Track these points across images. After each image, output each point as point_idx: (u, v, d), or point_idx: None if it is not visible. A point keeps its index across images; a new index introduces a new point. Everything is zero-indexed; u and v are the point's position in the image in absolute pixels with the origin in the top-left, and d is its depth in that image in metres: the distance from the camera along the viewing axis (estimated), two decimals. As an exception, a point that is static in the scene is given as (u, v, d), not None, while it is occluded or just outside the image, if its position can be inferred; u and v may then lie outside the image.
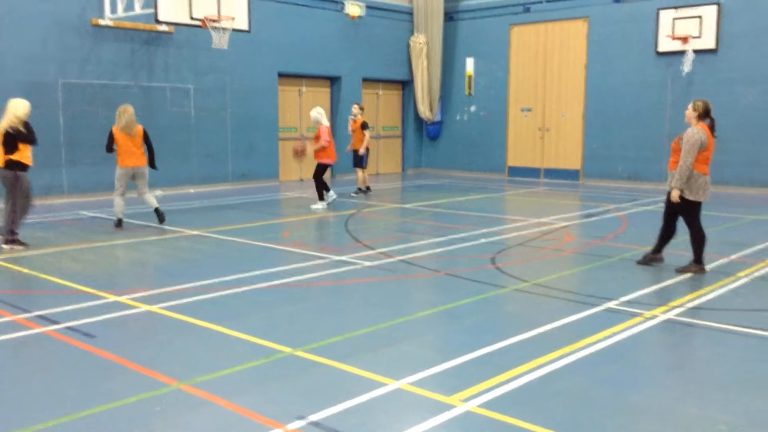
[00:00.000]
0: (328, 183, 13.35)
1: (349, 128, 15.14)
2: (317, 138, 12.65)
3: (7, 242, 8.74)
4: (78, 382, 4.57)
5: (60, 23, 13.24)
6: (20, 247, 8.76)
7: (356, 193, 14.82)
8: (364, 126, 14.57)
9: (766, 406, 4.25)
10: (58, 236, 9.80)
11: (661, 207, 8.12)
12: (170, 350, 5.17)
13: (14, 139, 8.52)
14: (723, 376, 4.76)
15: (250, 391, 4.36)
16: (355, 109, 14.72)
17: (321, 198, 12.71)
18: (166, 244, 9.24)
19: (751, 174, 15.51)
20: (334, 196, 12.87)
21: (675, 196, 7.49)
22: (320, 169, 12.75)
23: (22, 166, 8.65)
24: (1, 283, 7.13)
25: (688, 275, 7.48)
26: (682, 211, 7.63)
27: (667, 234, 7.88)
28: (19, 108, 8.58)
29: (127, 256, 8.51)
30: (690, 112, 7.59)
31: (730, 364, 4.99)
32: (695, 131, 7.40)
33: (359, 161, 14.74)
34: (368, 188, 14.98)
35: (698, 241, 7.57)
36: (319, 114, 12.62)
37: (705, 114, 7.55)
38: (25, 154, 8.66)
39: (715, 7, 15.47)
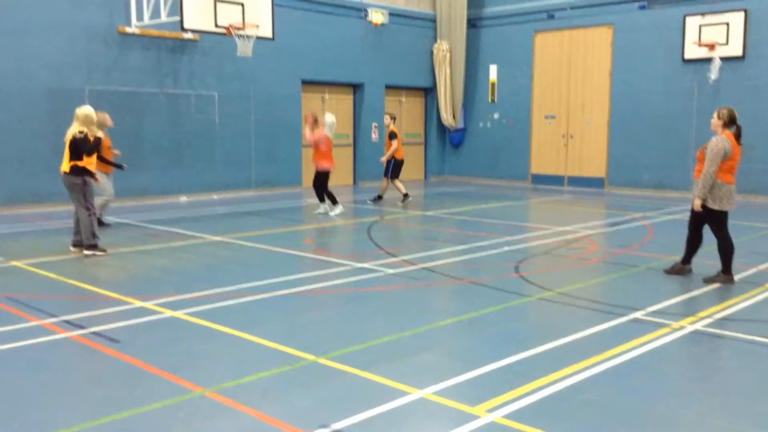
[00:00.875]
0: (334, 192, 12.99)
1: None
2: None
3: (89, 248, 8.79)
4: (102, 387, 4.60)
5: (87, 31, 13.43)
6: (101, 253, 8.83)
7: (374, 201, 14.58)
8: (392, 136, 14.19)
9: (797, 420, 4.17)
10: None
11: (687, 216, 8.01)
12: (194, 356, 5.20)
13: (80, 146, 8.60)
14: (751, 389, 4.68)
15: (273, 399, 4.37)
16: (387, 119, 14.37)
17: (334, 202, 12.65)
18: (190, 250, 9.30)
19: (779, 183, 15.26)
20: (340, 211, 12.59)
21: (697, 205, 7.42)
22: (320, 178, 12.61)
23: (88, 172, 8.76)
24: (28, 287, 7.22)
25: (716, 285, 7.37)
26: (709, 221, 7.54)
27: (694, 244, 7.79)
28: (89, 115, 8.70)
29: (152, 262, 8.57)
30: (715, 121, 7.49)
31: (759, 375, 4.90)
32: (719, 140, 7.32)
33: (387, 170, 14.35)
34: (380, 197, 14.61)
35: (726, 250, 7.46)
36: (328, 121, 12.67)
37: (730, 122, 7.44)
38: (91, 160, 8.77)
39: (742, 14, 15.29)
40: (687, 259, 7.87)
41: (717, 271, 7.57)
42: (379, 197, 14.63)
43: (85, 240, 8.81)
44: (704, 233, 7.70)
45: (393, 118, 14.37)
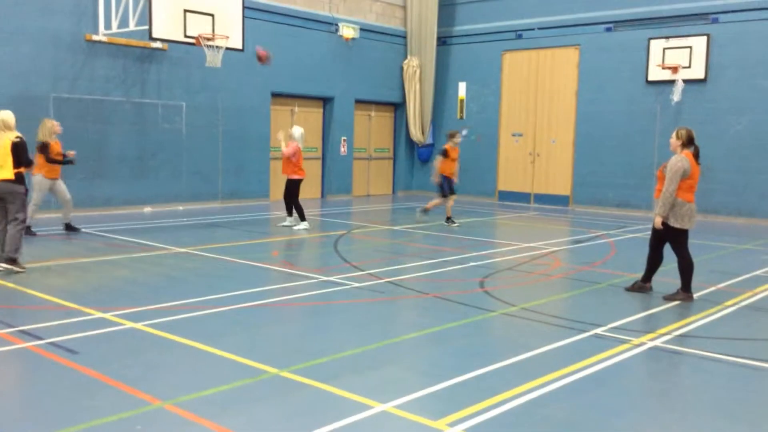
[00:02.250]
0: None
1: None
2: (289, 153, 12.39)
3: (9, 261, 8.17)
4: (59, 399, 4.50)
5: (54, 38, 13.25)
6: (20, 270, 8.20)
7: (423, 212, 14.20)
8: (444, 153, 13.52)
9: (751, 435, 4.24)
10: (45, 251, 9.71)
11: (649, 234, 8.14)
12: (154, 368, 5.11)
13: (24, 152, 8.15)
14: (708, 404, 4.76)
15: (234, 412, 4.31)
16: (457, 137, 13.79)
17: (302, 218, 12.45)
18: (153, 261, 9.18)
19: (738, 203, 15.63)
20: (305, 227, 12.38)
21: (658, 222, 7.57)
22: (292, 187, 12.45)
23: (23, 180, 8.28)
24: (-15, 296, 7.04)
25: (675, 303, 7.49)
26: (670, 239, 7.68)
27: (654, 262, 7.92)
28: (9, 118, 8.23)
29: (114, 273, 8.44)
30: (674, 141, 7.65)
31: (715, 391, 4.99)
32: (678, 159, 7.48)
33: (442, 187, 13.62)
34: (426, 210, 14.14)
35: (686, 268, 7.60)
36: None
37: (689, 142, 7.60)
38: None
39: (705, 38, 15.68)
40: (647, 277, 8.00)
41: (677, 289, 7.70)
42: (426, 210, 14.12)
43: (10, 252, 8.10)
44: (665, 253, 7.84)
45: (451, 135, 13.75)
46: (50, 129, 10.83)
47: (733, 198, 15.65)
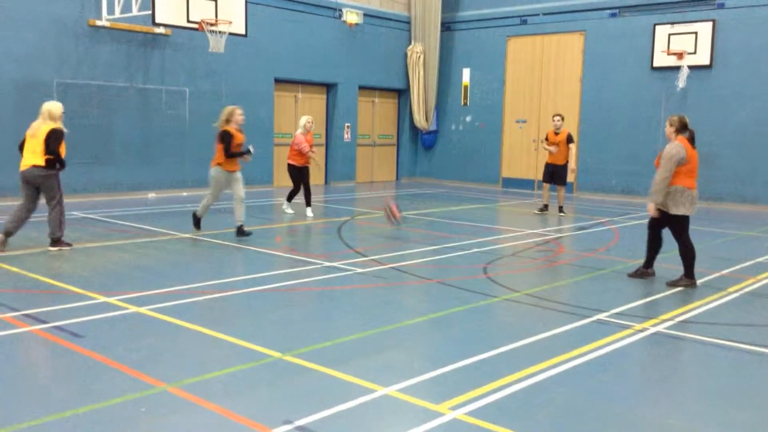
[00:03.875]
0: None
1: (545, 142, 13.68)
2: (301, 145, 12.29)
3: (53, 243, 8.69)
4: (64, 382, 4.54)
5: (57, 23, 13.24)
6: (67, 248, 8.76)
7: (561, 211, 13.51)
8: (570, 139, 13.29)
9: (751, 419, 4.26)
10: (49, 236, 9.74)
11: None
12: (158, 352, 5.15)
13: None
14: (710, 389, 4.77)
15: (237, 395, 4.35)
16: (558, 120, 13.35)
17: (289, 199, 12.64)
18: (157, 247, 9.21)
19: (743, 190, 15.59)
20: (290, 212, 12.52)
21: (651, 209, 7.61)
22: (289, 172, 12.54)
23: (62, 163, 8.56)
24: (-10, 281, 7.09)
25: (678, 289, 7.50)
26: (671, 226, 7.68)
27: (654, 245, 7.93)
28: (55, 110, 8.50)
29: (118, 258, 8.47)
30: (668, 129, 7.71)
31: (717, 377, 5.00)
32: (673, 146, 7.49)
33: (562, 178, 13.41)
34: (561, 208, 13.62)
35: (688, 255, 7.60)
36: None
37: (682, 128, 7.62)
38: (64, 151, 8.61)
39: (710, 24, 15.59)
40: (649, 263, 8.01)
41: (680, 275, 7.70)
42: (560, 208, 13.57)
43: (52, 234, 8.69)
44: (668, 238, 7.84)
45: (563, 118, 13.43)
46: (232, 116, 9.74)
47: (738, 185, 15.61)
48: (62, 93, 13.30)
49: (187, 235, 9.99)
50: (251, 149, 10.05)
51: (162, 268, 8.01)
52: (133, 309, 6.18)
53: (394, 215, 10.82)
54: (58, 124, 8.48)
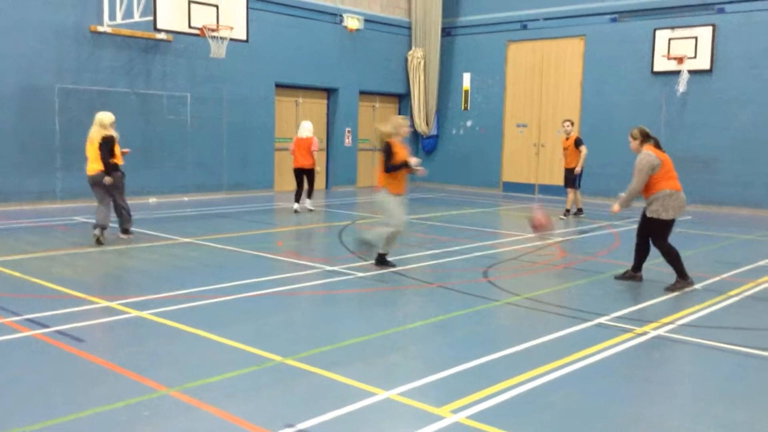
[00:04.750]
0: (306, 193, 13.65)
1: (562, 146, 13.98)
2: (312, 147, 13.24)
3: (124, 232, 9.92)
4: (66, 386, 4.55)
5: (58, 29, 13.28)
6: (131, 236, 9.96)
7: (565, 215, 13.65)
8: (578, 142, 13.41)
9: (751, 421, 4.26)
10: (51, 241, 9.77)
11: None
12: (160, 356, 5.16)
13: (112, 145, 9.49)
14: (711, 392, 4.78)
15: (239, 398, 4.35)
16: (567, 125, 13.53)
17: (296, 200, 13.62)
18: (159, 251, 9.23)
19: (743, 194, 15.58)
20: (295, 208, 13.50)
21: (614, 208, 7.87)
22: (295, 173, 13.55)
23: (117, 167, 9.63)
24: (-8, 286, 7.10)
25: (677, 293, 7.50)
26: (652, 229, 7.72)
27: (642, 251, 7.97)
28: (105, 118, 9.54)
29: (119, 262, 8.49)
30: (632, 144, 7.83)
31: (718, 380, 5.01)
32: (642, 156, 7.60)
33: (573, 181, 13.52)
34: (580, 210, 13.80)
35: (672, 257, 7.65)
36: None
37: (645, 137, 7.72)
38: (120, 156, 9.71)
39: (710, 29, 15.61)
40: (637, 266, 8.05)
41: (675, 279, 7.69)
42: (580, 210, 13.82)
43: (121, 224, 9.94)
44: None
45: (572, 123, 13.64)
46: (400, 128, 8.40)
47: (738, 189, 15.61)
48: (64, 99, 13.34)
49: (188, 240, 10.01)
50: (414, 161, 8.37)
51: (163, 273, 8.02)
52: (134, 313, 6.19)
53: (541, 224, 9.04)
54: (110, 131, 9.48)
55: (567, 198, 13.87)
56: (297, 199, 13.47)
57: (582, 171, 13.56)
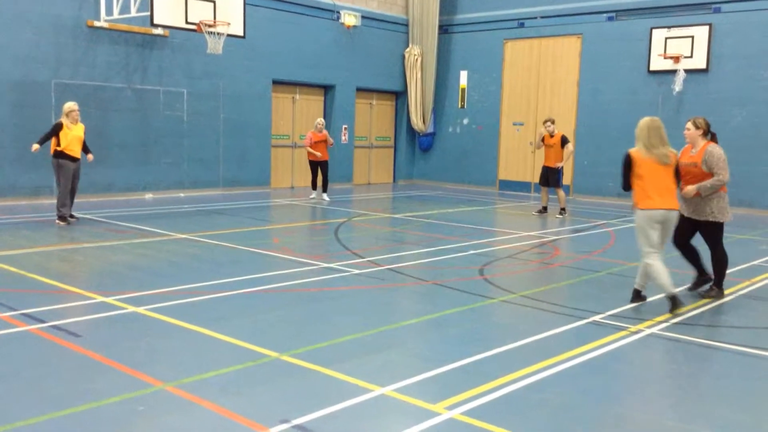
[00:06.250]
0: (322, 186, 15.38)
1: (541, 144, 13.78)
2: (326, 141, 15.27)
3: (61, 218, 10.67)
4: (62, 381, 4.56)
5: (55, 24, 13.25)
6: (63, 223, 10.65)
7: (561, 213, 13.61)
8: (564, 140, 13.46)
9: (745, 419, 4.29)
10: (47, 236, 9.77)
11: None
12: (156, 351, 5.17)
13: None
14: (704, 391, 4.81)
15: (234, 394, 4.37)
16: (549, 125, 13.52)
17: (314, 188, 15.72)
18: (155, 247, 9.23)
19: (738, 193, 15.59)
20: (314, 197, 15.33)
21: (691, 189, 7.06)
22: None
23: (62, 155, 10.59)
24: (-12, 280, 7.10)
25: (711, 300, 7.19)
26: (710, 233, 7.26)
27: (694, 257, 7.51)
28: (65, 106, 10.69)
29: (116, 258, 8.49)
30: (693, 132, 7.23)
31: (712, 378, 5.04)
32: (716, 148, 7.06)
33: (558, 180, 13.57)
34: (563, 209, 13.71)
35: (724, 263, 7.27)
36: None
37: (709, 130, 7.26)
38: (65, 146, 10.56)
39: (707, 28, 15.65)
40: (700, 270, 7.47)
41: (709, 285, 7.41)
42: (563, 209, 13.66)
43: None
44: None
45: (553, 122, 13.62)
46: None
47: (733, 188, 15.43)
48: (60, 93, 13.31)
49: (184, 236, 10.01)
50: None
51: (159, 269, 8.03)
52: (130, 309, 6.19)
53: None
54: (64, 119, 10.54)
55: (558, 197, 13.72)
56: (314, 187, 15.56)
57: (562, 168, 13.58)
